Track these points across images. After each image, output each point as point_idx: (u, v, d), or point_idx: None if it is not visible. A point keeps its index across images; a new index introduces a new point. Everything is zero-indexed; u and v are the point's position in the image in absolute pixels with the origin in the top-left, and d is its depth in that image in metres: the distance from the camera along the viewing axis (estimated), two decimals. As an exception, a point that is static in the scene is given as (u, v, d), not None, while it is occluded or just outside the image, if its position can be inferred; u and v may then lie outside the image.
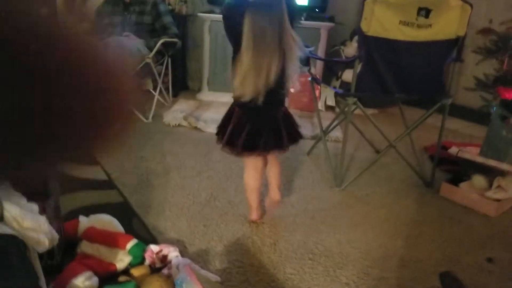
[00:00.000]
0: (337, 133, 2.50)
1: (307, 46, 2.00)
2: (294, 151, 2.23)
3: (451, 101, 1.73)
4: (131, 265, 1.12)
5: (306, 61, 2.02)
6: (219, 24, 3.29)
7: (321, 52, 3.27)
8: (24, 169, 0.43)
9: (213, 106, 3.10)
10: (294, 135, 1.36)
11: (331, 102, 3.25)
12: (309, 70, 2.06)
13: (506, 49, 2.26)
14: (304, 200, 1.65)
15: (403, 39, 1.57)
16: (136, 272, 1.10)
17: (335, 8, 3.41)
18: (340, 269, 1.21)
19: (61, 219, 1.14)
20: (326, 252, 1.28)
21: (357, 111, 1.96)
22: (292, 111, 3.24)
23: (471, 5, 1.57)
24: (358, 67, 1.62)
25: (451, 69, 1.76)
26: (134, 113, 0.56)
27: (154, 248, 1.14)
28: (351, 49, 3.24)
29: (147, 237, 1.29)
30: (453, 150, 1.79)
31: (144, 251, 1.14)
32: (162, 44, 2.64)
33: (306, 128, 2.70)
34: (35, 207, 0.81)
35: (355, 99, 1.66)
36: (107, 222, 1.24)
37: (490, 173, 1.65)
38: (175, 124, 2.57)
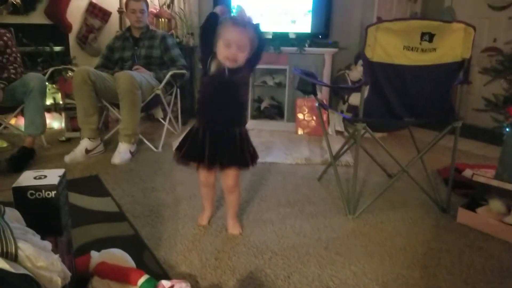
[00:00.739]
0: (347, 158, 2.47)
1: (311, 74, 2.03)
2: (304, 177, 2.22)
3: (461, 123, 1.69)
4: (143, 302, 1.08)
5: (312, 88, 2.03)
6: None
7: (326, 77, 3.29)
8: None
9: (222, 134, 3.11)
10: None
11: (339, 127, 3.24)
12: (315, 96, 2.06)
13: (513, 69, 2.24)
14: (317, 228, 1.60)
15: (408, 64, 1.55)
16: (147, 309, 1.06)
17: (338, 33, 3.46)
18: (357, 303, 1.15)
19: (72, 255, 1.12)
20: (342, 286, 1.23)
21: (367, 134, 1.94)
22: (301, 135, 3.25)
23: (474, 28, 1.56)
24: (365, 92, 1.61)
25: (458, 91, 1.74)
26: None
27: (165, 283, 1.11)
28: (356, 73, 3.26)
29: (158, 271, 1.26)
30: (467, 173, 1.74)
31: (155, 287, 1.11)
32: (171, 75, 2.69)
33: (315, 153, 2.68)
34: (48, 244, 0.82)
35: (364, 124, 1.64)
36: (119, 257, 1.22)
37: (508, 197, 1.59)
38: (185, 153, 2.57)
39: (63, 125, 2.96)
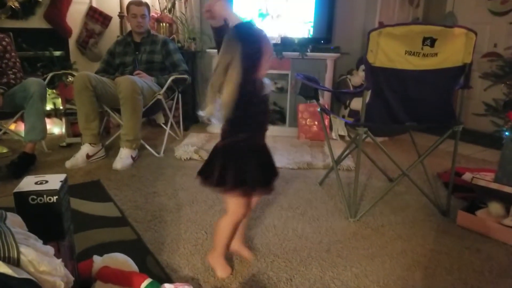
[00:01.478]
0: (348, 162, 2.52)
1: (312, 79, 2.08)
2: (306, 181, 2.27)
3: (462, 127, 1.75)
4: (147, 305, 1.12)
5: (314, 93, 2.09)
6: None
7: (328, 82, 3.36)
8: None
9: (223, 139, 3.16)
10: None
11: (342, 132, 3.29)
12: (317, 101, 2.12)
13: (514, 74, 2.30)
14: (319, 232, 1.65)
15: (410, 69, 1.60)
16: (151, 312, 1.10)
17: (340, 38, 3.53)
18: (358, 305, 1.20)
19: (75, 260, 1.16)
20: (344, 287, 1.28)
21: (368, 139, 1.99)
22: (302, 140, 3.31)
23: (475, 33, 1.60)
24: (367, 96, 1.66)
25: (459, 96, 1.79)
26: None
27: (168, 287, 1.15)
28: (357, 78, 3.33)
29: (161, 275, 1.30)
30: (467, 176, 1.79)
31: (159, 290, 1.15)
32: (173, 80, 2.74)
33: (317, 157, 2.74)
34: (50, 249, 0.84)
35: (365, 129, 1.69)
36: (121, 261, 1.25)
37: (507, 200, 1.64)
38: (187, 158, 2.62)
39: (63, 130, 3.00)
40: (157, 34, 3.04)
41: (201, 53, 3.75)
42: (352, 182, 1.83)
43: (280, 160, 2.64)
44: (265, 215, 1.81)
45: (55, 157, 2.61)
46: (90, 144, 2.50)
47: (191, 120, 3.62)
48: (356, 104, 3.22)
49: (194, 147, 2.73)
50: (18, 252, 0.73)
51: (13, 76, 2.41)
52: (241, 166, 1.19)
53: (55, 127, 3.22)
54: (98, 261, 1.24)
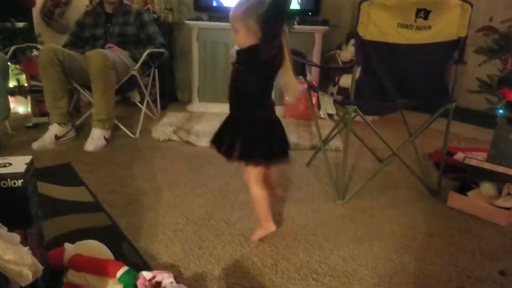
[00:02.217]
0: (337, 142, 2.53)
1: (299, 53, 2.05)
2: (292, 162, 2.26)
3: (454, 105, 1.76)
4: (123, 294, 1.11)
5: (301, 69, 2.06)
6: (207, 31, 3.34)
7: (316, 57, 3.32)
8: None
9: (204, 118, 3.12)
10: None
11: (331, 110, 3.28)
12: (305, 77, 2.09)
13: (509, 48, 2.30)
14: (305, 215, 1.66)
15: (402, 42, 1.59)
16: (128, 301, 1.09)
17: (328, 10, 3.48)
18: (346, 289, 1.21)
19: (44, 248, 1.13)
20: (331, 272, 1.29)
21: (357, 118, 1.99)
22: (289, 120, 3.28)
23: (471, 4, 1.60)
24: (357, 73, 1.65)
25: (453, 71, 1.79)
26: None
27: (146, 275, 1.13)
28: (347, 53, 3.30)
29: (138, 262, 1.29)
30: (459, 156, 1.82)
31: (136, 278, 1.13)
32: (148, 55, 2.67)
33: (304, 137, 2.73)
34: (16, 237, 0.82)
35: (355, 107, 1.68)
36: (95, 248, 1.23)
37: (499, 180, 1.67)
38: (165, 139, 2.59)
39: (29, 109, 2.92)
40: (130, 4, 2.96)
41: (179, 25, 3.64)
42: (340, 163, 1.83)
43: (265, 140, 2.61)
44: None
45: (20, 139, 2.53)
46: (58, 124, 2.44)
47: (169, 99, 3.55)
48: (346, 81, 3.20)
49: (172, 127, 2.69)
50: None
51: None
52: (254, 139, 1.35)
53: (19, 106, 3.13)
54: (70, 248, 1.22)
